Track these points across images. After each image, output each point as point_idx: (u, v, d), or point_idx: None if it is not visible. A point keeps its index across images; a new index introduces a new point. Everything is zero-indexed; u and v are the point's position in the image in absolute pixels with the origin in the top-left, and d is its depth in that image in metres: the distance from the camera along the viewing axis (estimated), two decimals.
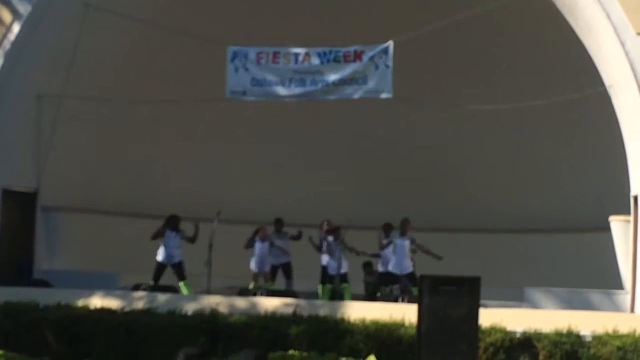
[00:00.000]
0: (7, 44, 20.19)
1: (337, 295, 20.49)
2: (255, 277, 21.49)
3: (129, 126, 23.83)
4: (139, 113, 23.32)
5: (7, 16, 20.23)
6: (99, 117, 22.97)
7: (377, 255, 21.27)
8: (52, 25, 20.63)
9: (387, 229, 21.24)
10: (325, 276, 21.18)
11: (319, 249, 21.42)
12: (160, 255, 20.69)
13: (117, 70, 22.91)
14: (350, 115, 24.54)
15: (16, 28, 20.19)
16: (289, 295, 18.95)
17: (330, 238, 21.25)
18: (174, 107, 23.18)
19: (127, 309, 17.13)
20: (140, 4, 21.94)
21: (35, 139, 21.24)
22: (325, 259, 21.30)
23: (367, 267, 22.19)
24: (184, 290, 20.44)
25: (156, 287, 19.84)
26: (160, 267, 20.64)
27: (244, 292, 19.58)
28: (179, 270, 20.67)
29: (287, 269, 22.05)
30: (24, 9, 20.22)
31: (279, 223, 22.29)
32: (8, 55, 20.18)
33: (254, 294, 19.23)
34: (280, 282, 21.93)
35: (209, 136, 25.00)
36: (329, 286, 21.01)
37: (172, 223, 20.82)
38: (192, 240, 20.73)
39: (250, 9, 23.98)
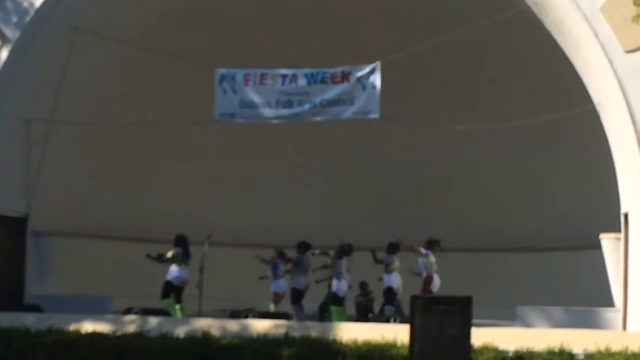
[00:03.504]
0: None
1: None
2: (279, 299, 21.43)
3: (119, 150, 23.81)
4: (129, 136, 23.30)
5: None
6: (89, 141, 22.95)
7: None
8: (40, 49, 20.66)
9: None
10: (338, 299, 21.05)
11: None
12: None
13: (106, 93, 22.91)
14: (340, 136, 24.55)
15: (4, 53, 20.22)
16: (280, 317, 18.89)
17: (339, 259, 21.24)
18: (164, 130, 23.18)
19: (118, 333, 17.06)
20: (128, 27, 21.97)
21: (25, 163, 21.23)
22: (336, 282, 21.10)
23: (363, 286, 21.95)
24: (175, 310, 20.40)
25: (147, 311, 19.75)
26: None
27: (235, 315, 19.52)
28: (165, 288, 20.66)
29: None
30: (13, 34, 20.24)
31: (302, 246, 21.76)
32: None
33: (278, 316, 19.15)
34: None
35: (199, 159, 24.96)
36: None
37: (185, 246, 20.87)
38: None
39: (238, 31, 24.00)
